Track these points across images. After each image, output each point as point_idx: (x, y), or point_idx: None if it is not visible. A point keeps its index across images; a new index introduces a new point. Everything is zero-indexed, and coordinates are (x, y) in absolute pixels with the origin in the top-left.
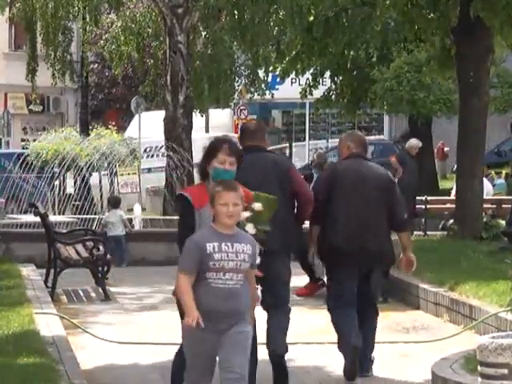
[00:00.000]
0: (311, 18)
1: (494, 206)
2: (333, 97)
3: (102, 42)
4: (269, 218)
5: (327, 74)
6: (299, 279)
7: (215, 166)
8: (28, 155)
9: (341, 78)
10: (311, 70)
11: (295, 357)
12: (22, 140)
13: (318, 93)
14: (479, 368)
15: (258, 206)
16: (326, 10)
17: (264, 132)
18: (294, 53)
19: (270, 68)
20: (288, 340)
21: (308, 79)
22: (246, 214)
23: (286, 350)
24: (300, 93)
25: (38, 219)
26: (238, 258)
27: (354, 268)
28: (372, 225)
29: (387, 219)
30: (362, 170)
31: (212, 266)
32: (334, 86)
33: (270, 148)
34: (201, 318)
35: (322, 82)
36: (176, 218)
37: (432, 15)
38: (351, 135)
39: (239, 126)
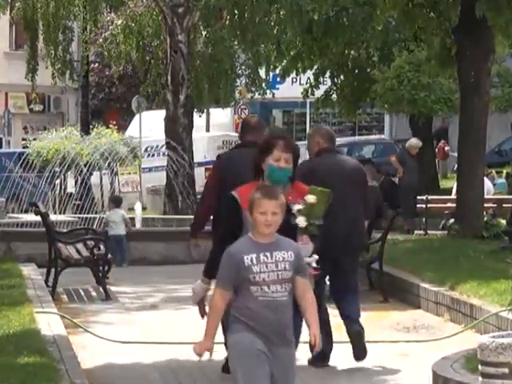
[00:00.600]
0: (314, 17)
1: (495, 205)
2: (333, 96)
3: (100, 40)
4: (322, 211)
5: (328, 73)
6: None
7: (270, 163)
8: (29, 154)
9: (341, 77)
10: (312, 70)
11: (296, 356)
12: (23, 139)
13: (319, 92)
14: (480, 367)
15: (311, 198)
16: (327, 10)
17: (264, 129)
18: (294, 52)
19: (271, 67)
20: None
21: (309, 78)
22: (298, 207)
23: None
24: (302, 93)
25: (38, 218)
26: (279, 267)
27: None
28: (356, 219)
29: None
30: (337, 165)
31: (253, 280)
32: (334, 86)
33: None
34: (212, 350)
35: (323, 81)
36: (176, 217)
37: (432, 15)
38: (319, 130)
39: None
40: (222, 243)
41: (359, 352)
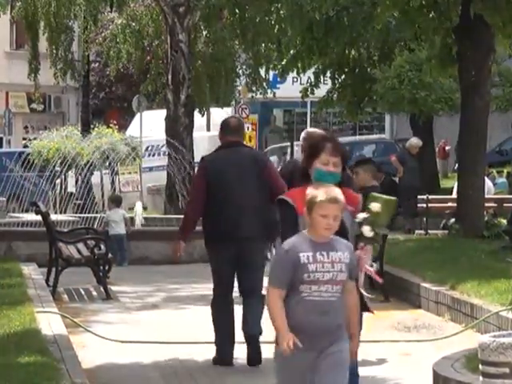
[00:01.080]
0: (315, 17)
1: (496, 204)
2: (334, 96)
3: (100, 39)
4: (387, 220)
5: (328, 73)
6: None
7: (318, 167)
8: (29, 154)
9: (342, 77)
10: (313, 69)
11: None
12: (24, 139)
13: (319, 92)
14: (480, 367)
15: (376, 206)
16: (327, 9)
17: (243, 129)
18: (293, 51)
19: (271, 66)
20: None
21: (309, 78)
22: (363, 215)
23: (260, 331)
24: (301, 92)
25: (39, 218)
26: (335, 268)
27: None
28: None
29: None
30: None
31: (306, 279)
32: (335, 86)
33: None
34: (297, 339)
35: (324, 81)
36: (176, 216)
37: (432, 14)
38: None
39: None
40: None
41: None
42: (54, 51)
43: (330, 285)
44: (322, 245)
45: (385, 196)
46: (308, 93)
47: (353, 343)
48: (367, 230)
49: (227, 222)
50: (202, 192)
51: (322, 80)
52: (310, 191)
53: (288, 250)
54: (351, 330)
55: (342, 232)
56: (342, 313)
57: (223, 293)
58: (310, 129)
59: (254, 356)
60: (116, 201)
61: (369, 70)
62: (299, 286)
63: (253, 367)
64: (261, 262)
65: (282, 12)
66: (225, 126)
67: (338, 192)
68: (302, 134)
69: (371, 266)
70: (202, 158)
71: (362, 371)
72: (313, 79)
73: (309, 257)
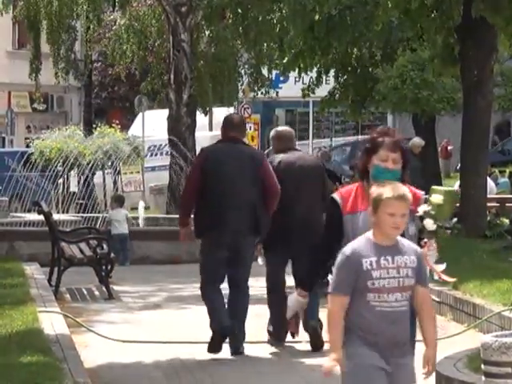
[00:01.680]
0: (316, 16)
1: (498, 204)
2: (337, 96)
3: (104, 39)
4: (450, 212)
5: (331, 73)
6: None
7: (376, 163)
8: (32, 154)
9: (345, 77)
10: (315, 69)
11: (299, 355)
12: (26, 138)
13: (321, 92)
14: (483, 367)
15: (437, 198)
16: (329, 8)
17: (245, 126)
18: (295, 51)
19: (273, 66)
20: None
21: (311, 78)
22: (425, 208)
23: (244, 337)
24: (302, 90)
25: (41, 218)
26: (401, 273)
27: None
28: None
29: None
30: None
31: (371, 286)
32: (338, 85)
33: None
34: (342, 365)
35: (326, 81)
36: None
37: (435, 14)
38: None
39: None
40: (318, 252)
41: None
42: (56, 51)
43: (398, 292)
44: (387, 248)
45: (445, 188)
46: (309, 92)
47: (431, 352)
48: (430, 223)
49: (221, 214)
50: (198, 181)
51: (324, 80)
52: (376, 189)
53: (350, 256)
54: (428, 338)
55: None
56: (408, 322)
57: (212, 277)
58: (279, 127)
59: (238, 345)
60: (118, 200)
61: (371, 69)
62: (366, 294)
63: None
64: (250, 255)
65: (284, 11)
66: (227, 121)
67: (405, 189)
68: (272, 133)
69: (437, 263)
70: (202, 149)
71: None
72: (314, 78)
73: (372, 262)
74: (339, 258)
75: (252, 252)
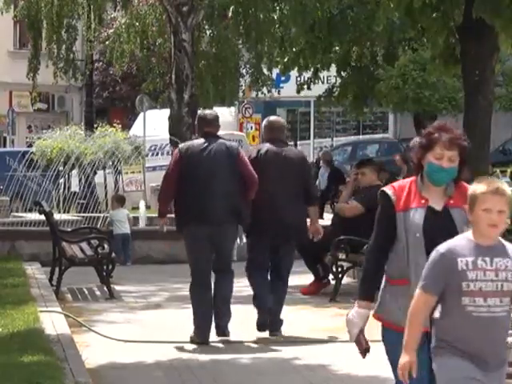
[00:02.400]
0: (318, 13)
1: None
2: (336, 93)
3: (103, 38)
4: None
5: (333, 71)
6: (305, 277)
7: (430, 161)
8: (33, 153)
9: (346, 75)
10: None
11: (300, 355)
12: (27, 138)
13: (319, 90)
14: None
15: None
16: (329, 8)
17: (218, 121)
18: (297, 50)
19: (273, 65)
20: (293, 337)
21: (309, 77)
22: None
23: (229, 319)
24: (298, 85)
25: (42, 217)
26: (499, 277)
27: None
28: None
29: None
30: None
31: (466, 289)
32: (338, 83)
33: None
34: (414, 369)
35: (327, 80)
36: None
37: (436, 14)
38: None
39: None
40: (370, 254)
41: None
42: (55, 50)
43: (496, 297)
44: (486, 249)
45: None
46: (304, 88)
47: None
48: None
49: (201, 207)
50: (175, 177)
51: (325, 79)
52: (472, 186)
53: (444, 254)
54: None
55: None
56: (507, 330)
57: (200, 277)
58: (271, 117)
59: (223, 329)
60: (119, 200)
61: (372, 69)
62: (461, 298)
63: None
64: (231, 244)
65: (285, 10)
66: (201, 118)
67: (503, 184)
68: (264, 122)
69: None
70: (179, 145)
71: (368, 371)
72: (312, 74)
73: (468, 262)
74: (433, 255)
75: (233, 239)
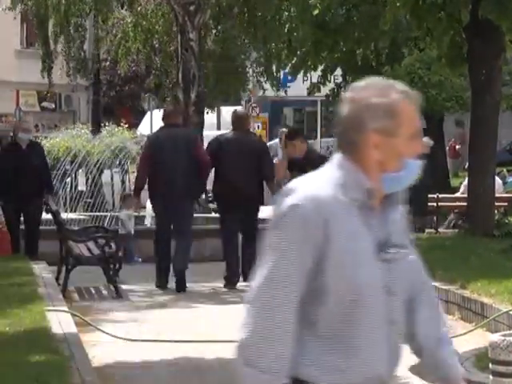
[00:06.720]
0: (317, 14)
1: (506, 203)
2: (341, 93)
3: (111, 36)
4: None
5: (338, 71)
6: None
7: None
8: None
9: (353, 74)
10: (321, 67)
11: None
12: (34, 137)
13: (326, 88)
14: (491, 366)
15: None
16: (330, 6)
17: (178, 113)
18: (304, 50)
19: (281, 65)
20: None
21: (319, 76)
22: None
23: (186, 267)
24: (308, 88)
25: (49, 216)
26: None
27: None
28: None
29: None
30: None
31: None
32: (344, 83)
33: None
34: None
35: (334, 79)
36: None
37: (442, 14)
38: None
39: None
40: None
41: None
42: (66, 49)
43: None
44: None
45: None
46: (315, 90)
47: None
48: None
49: (166, 183)
50: (147, 163)
51: (332, 79)
52: None
53: None
54: None
55: None
56: None
57: (163, 234)
58: (237, 109)
59: (181, 286)
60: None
61: (378, 68)
62: None
63: None
64: (189, 211)
65: (292, 9)
66: (164, 113)
67: None
68: (231, 114)
69: None
70: (147, 136)
71: None
72: (320, 77)
73: None
74: None
75: (190, 209)
